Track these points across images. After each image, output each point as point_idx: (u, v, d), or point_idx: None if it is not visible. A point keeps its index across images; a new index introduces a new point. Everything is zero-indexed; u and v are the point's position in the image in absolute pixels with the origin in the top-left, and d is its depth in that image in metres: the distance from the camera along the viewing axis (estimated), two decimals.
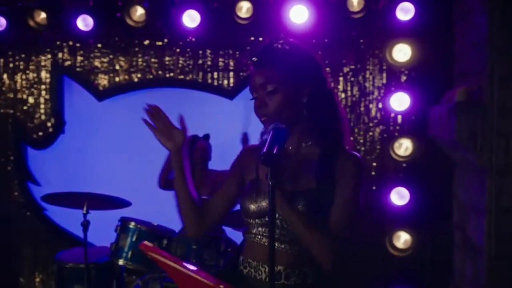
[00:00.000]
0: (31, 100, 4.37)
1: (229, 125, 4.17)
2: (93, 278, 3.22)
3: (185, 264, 1.34)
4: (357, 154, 1.60)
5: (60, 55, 4.29)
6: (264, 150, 1.25)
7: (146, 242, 1.40)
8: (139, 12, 3.61)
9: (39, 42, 4.23)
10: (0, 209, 4.32)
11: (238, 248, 1.70)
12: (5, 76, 4.35)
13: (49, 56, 4.30)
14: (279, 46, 1.55)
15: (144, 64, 4.24)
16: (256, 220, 1.55)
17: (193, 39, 4.10)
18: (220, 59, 4.23)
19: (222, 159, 3.91)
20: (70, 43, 4.25)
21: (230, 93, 4.24)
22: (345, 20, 3.80)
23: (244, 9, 3.63)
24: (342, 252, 1.50)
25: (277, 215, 1.49)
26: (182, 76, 4.22)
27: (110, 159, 4.38)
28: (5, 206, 4.34)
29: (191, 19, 3.60)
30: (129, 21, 3.61)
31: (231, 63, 4.23)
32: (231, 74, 4.23)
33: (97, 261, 3.28)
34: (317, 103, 1.55)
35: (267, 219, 1.50)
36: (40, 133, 4.37)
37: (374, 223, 3.71)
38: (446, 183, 3.39)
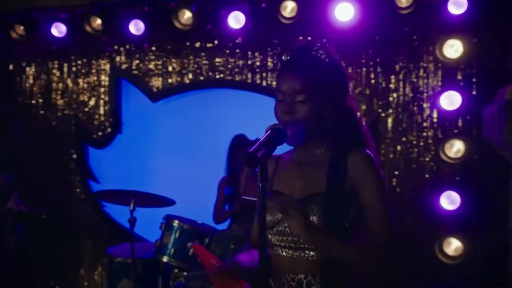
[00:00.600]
0: (92, 102, 4.61)
1: None
2: (140, 273, 3.33)
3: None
4: (367, 150, 1.54)
5: (117, 58, 4.49)
6: (250, 150, 1.23)
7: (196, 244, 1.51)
8: (186, 15, 3.70)
9: (98, 47, 4.45)
10: (63, 205, 4.59)
11: None
12: (68, 80, 4.63)
13: (107, 60, 4.52)
14: (316, 53, 1.52)
15: (196, 65, 4.34)
16: (269, 230, 1.52)
17: (242, 40, 4.14)
18: (269, 60, 4.23)
19: None
20: (127, 46, 4.44)
21: None
22: (394, 17, 3.67)
23: (288, 9, 3.61)
24: (394, 258, 1.46)
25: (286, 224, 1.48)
26: (231, 77, 4.27)
27: (163, 158, 4.53)
28: (68, 202, 4.61)
29: (236, 20, 3.64)
30: (177, 24, 3.71)
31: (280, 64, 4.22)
32: None
33: (143, 257, 3.39)
34: (339, 116, 1.54)
35: (278, 228, 1.50)
36: (100, 133, 4.59)
37: (424, 228, 3.55)
38: (501, 186, 3.18)
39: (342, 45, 3.96)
